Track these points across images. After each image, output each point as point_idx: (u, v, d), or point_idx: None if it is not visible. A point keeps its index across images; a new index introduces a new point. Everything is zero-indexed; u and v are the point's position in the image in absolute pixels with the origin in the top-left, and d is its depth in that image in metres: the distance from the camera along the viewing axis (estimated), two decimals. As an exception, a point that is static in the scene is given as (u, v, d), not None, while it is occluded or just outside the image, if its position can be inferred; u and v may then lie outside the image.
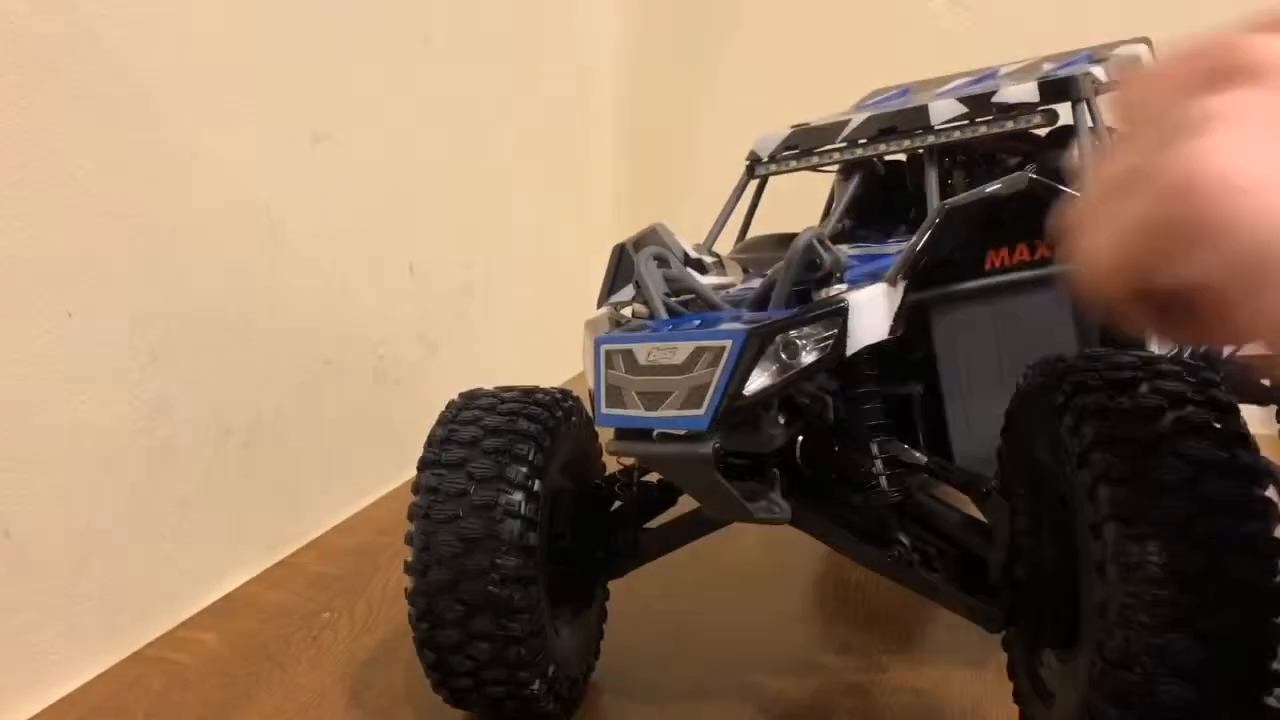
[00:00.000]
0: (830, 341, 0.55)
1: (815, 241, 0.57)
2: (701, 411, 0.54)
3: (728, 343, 0.54)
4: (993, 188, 0.61)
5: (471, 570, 0.62)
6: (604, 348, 0.58)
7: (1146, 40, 0.82)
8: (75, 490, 0.77)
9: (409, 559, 0.64)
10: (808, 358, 0.54)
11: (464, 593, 0.62)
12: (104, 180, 0.76)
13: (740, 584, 0.90)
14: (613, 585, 0.76)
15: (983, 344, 0.64)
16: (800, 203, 0.84)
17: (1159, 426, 0.47)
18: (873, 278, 0.59)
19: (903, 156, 0.79)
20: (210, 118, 0.86)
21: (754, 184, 0.82)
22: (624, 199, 1.62)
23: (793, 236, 0.65)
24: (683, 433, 0.55)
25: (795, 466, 0.63)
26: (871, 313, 0.56)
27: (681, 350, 0.55)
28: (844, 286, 0.57)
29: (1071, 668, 0.53)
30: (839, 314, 0.55)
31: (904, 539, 0.60)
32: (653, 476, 0.70)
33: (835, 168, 0.79)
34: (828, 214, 0.81)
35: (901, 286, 0.58)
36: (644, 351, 0.56)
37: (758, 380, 0.54)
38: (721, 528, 0.70)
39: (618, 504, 0.72)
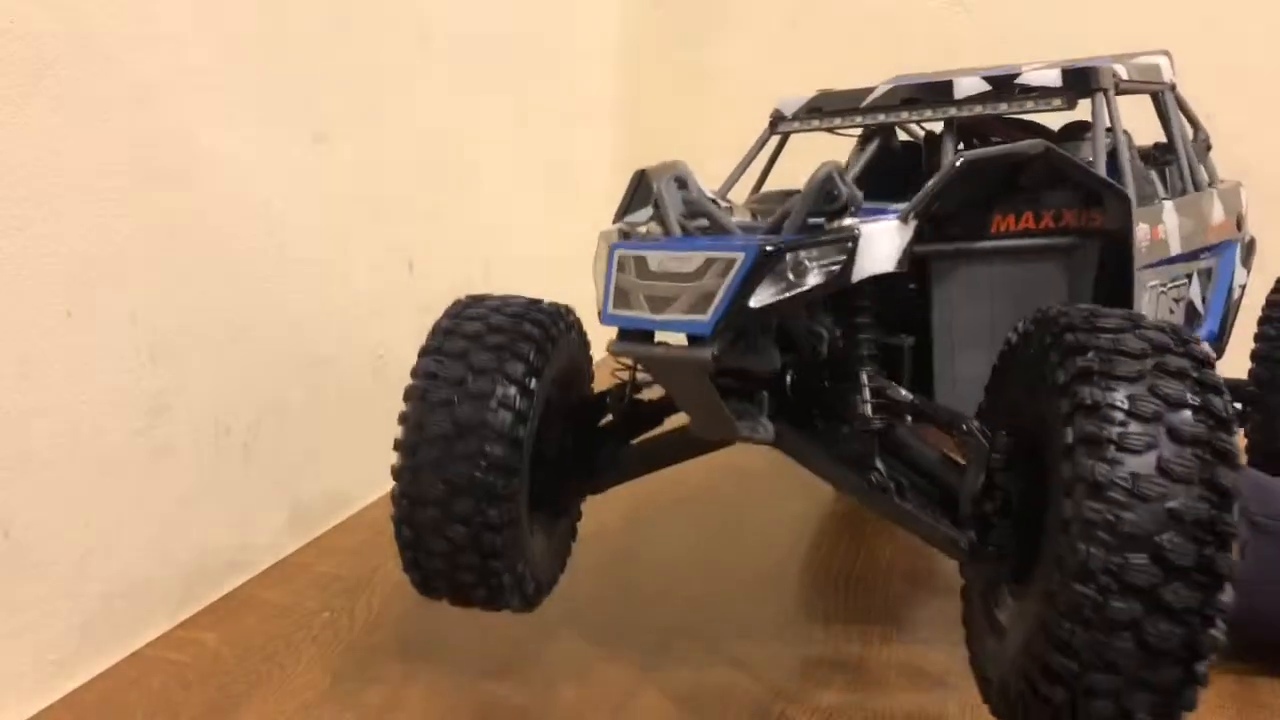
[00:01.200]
0: (838, 266, 0.57)
1: (835, 173, 0.58)
2: (706, 317, 0.56)
3: (740, 255, 0.56)
4: (1012, 147, 0.63)
5: (460, 454, 0.64)
6: (618, 252, 0.60)
7: (1167, 53, 0.82)
8: (75, 490, 0.77)
9: (399, 438, 0.66)
10: (814, 279, 0.57)
11: (450, 474, 0.64)
12: (104, 180, 0.76)
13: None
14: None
15: (977, 304, 0.66)
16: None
17: (1138, 367, 0.50)
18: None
19: (920, 134, 0.80)
20: (210, 117, 0.86)
21: (774, 142, 0.82)
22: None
23: None
24: (684, 339, 0.58)
25: (784, 395, 0.66)
26: (881, 244, 0.59)
27: (694, 259, 0.57)
28: (858, 220, 0.59)
29: (1026, 602, 0.55)
30: (851, 240, 0.57)
31: (880, 467, 0.63)
32: (645, 395, 0.73)
33: (855, 133, 0.79)
34: None
35: (912, 225, 0.60)
36: (657, 259, 0.58)
37: (763, 294, 0.56)
38: (704, 453, 0.72)
39: (607, 419, 0.75)
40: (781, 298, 0.56)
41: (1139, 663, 0.47)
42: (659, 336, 0.60)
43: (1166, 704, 0.48)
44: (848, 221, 0.59)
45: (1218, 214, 0.78)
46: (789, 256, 0.56)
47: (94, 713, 0.74)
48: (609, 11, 1.58)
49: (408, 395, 0.67)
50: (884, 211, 0.63)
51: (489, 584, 0.67)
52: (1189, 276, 0.74)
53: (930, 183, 0.61)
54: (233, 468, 0.91)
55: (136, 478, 0.82)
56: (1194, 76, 0.86)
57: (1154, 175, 0.77)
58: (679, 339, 0.58)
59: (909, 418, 0.64)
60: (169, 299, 0.83)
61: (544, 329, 0.68)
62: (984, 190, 0.64)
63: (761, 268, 0.56)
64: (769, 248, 0.56)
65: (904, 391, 0.63)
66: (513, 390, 0.65)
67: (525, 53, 1.35)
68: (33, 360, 0.73)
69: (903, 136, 0.84)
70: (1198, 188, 0.79)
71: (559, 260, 1.45)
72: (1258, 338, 0.87)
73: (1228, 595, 0.47)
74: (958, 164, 0.61)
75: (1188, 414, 0.48)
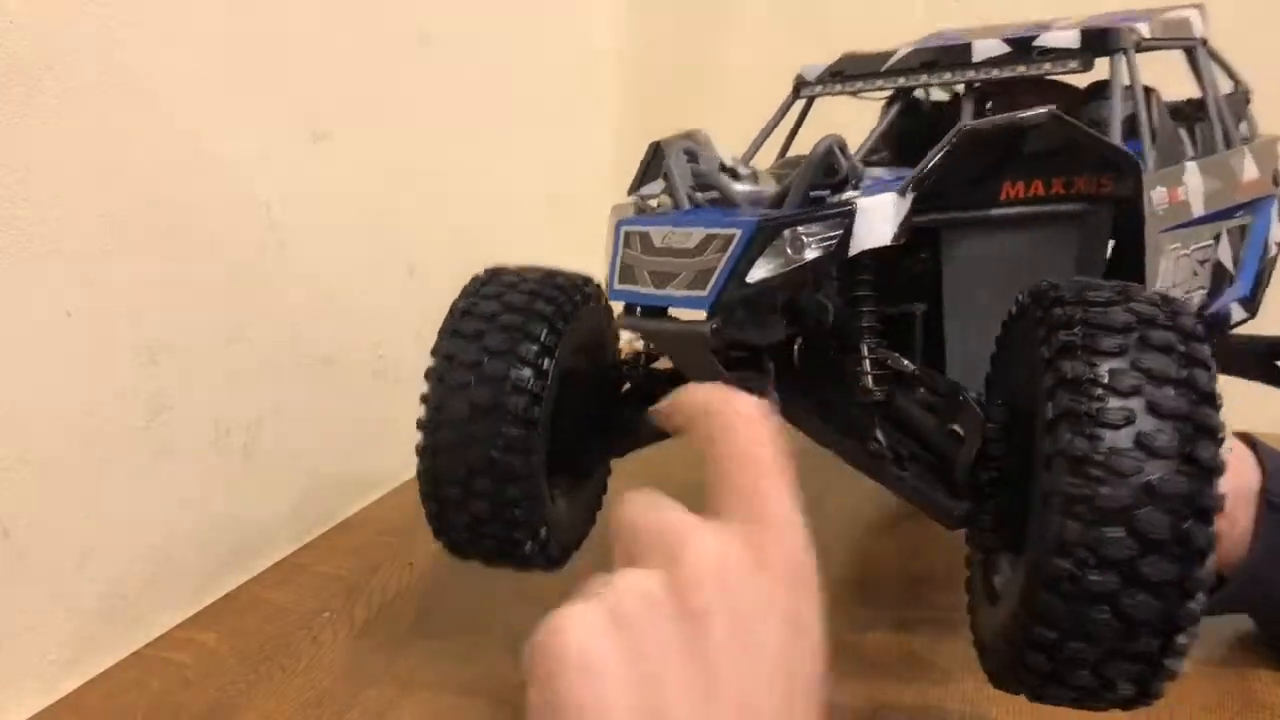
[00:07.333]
0: (835, 241, 0.57)
1: (835, 147, 0.59)
2: (705, 292, 0.57)
3: (737, 231, 0.56)
4: (1015, 115, 0.62)
5: (477, 436, 0.65)
6: (624, 229, 0.61)
7: (1199, 6, 0.80)
8: (75, 490, 0.77)
9: (421, 417, 0.68)
10: (811, 254, 0.57)
11: (469, 456, 0.66)
12: (104, 180, 0.76)
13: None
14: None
15: (988, 272, 0.65)
16: (849, 132, 0.83)
17: (1121, 341, 0.50)
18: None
19: (945, 97, 0.79)
20: (210, 118, 0.86)
21: (799, 107, 0.82)
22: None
23: None
24: (685, 313, 0.58)
25: (792, 366, 0.66)
26: (877, 218, 0.58)
27: (695, 235, 0.58)
28: (858, 193, 0.59)
29: (1018, 571, 0.55)
30: (847, 215, 0.58)
31: (880, 437, 0.63)
32: (661, 364, 0.73)
33: (878, 96, 0.79)
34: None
35: (910, 198, 0.60)
36: (660, 235, 0.59)
37: (762, 269, 0.57)
38: None
39: (627, 387, 0.76)
40: (779, 273, 0.57)
41: (1117, 634, 0.48)
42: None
43: (1147, 674, 0.49)
44: (845, 195, 0.59)
45: (1250, 171, 0.76)
46: (786, 232, 0.57)
47: (94, 713, 0.74)
48: (609, 11, 1.58)
49: (428, 375, 0.68)
50: (888, 183, 0.63)
51: (513, 552, 0.70)
52: (1216, 237, 0.73)
53: (930, 154, 0.61)
54: (233, 468, 0.92)
55: (136, 478, 0.82)
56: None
57: (1184, 134, 0.76)
58: (682, 312, 0.59)
59: (910, 387, 0.64)
60: (169, 299, 0.83)
61: (558, 305, 0.69)
62: (988, 159, 0.64)
63: (759, 243, 0.56)
64: (766, 223, 0.56)
65: (905, 362, 0.63)
66: (527, 372, 0.66)
67: (525, 51, 1.35)
68: (33, 360, 0.73)
69: (940, 95, 0.83)
70: (1231, 145, 0.77)
71: (559, 261, 1.45)
72: None
73: (1207, 569, 0.47)
74: (956, 135, 0.60)
75: (1169, 389, 0.48)
